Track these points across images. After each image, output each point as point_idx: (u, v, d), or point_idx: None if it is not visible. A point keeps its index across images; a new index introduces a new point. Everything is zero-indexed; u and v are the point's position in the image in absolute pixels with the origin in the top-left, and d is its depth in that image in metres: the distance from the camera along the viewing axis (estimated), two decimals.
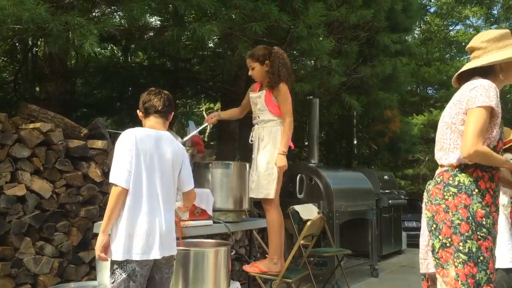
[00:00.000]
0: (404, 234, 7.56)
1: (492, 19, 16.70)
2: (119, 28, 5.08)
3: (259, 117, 3.60)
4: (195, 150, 4.73)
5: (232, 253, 3.33)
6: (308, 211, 4.47)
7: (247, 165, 3.78)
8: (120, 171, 2.24)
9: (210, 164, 3.70)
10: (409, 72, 9.67)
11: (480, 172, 2.14)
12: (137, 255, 2.21)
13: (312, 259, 4.80)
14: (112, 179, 2.25)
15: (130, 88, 7.90)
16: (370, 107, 7.39)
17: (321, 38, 5.40)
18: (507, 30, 2.26)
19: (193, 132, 4.83)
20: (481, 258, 2.06)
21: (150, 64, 7.80)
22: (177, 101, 9.43)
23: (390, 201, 6.91)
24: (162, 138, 2.42)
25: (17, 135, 3.26)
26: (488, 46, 2.22)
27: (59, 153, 3.45)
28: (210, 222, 3.41)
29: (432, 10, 16.62)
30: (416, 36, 15.62)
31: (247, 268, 3.43)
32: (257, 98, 3.58)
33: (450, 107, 2.25)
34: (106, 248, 2.26)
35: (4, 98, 7.30)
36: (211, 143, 10.43)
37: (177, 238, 2.83)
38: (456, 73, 2.33)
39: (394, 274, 5.85)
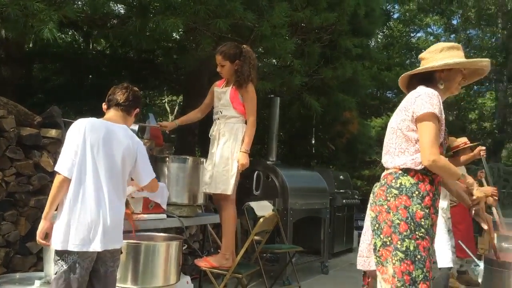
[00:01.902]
0: (356, 233, 7.79)
1: (451, 29, 17.34)
2: (81, 15, 4.97)
3: (221, 112, 3.62)
4: (153, 143, 4.73)
5: (184, 247, 3.36)
6: (263, 208, 4.54)
7: (204, 160, 3.81)
8: (64, 160, 2.26)
9: (167, 158, 3.71)
10: (370, 76, 9.92)
11: (421, 175, 2.26)
12: (75, 246, 2.21)
13: (264, 255, 4.89)
14: (56, 167, 2.27)
15: (90, 76, 7.73)
16: (330, 108, 7.54)
17: (286, 38, 5.48)
18: (453, 44, 2.42)
19: (152, 123, 4.82)
20: (419, 256, 2.17)
21: (112, 53, 7.65)
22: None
23: (344, 201, 7.10)
24: (116, 131, 2.42)
25: None
26: (430, 56, 2.39)
27: (10, 141, 3.36)
28: (163, 216, 3.43)
29: (395, 16, 17.07)
30: (379, 40, 16.03)
31: (198, 262, 3.47)
32: (222, 93, 3.61)
33: (397, 113, 2.38)
34: (48, 235, 2.27)
35: None
36: (172, 136, 10.38)
37: (130, 231, 2.85)
38: (400, 78, 2.49)
39: (343, 271, 6.04)
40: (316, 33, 6.35)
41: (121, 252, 2.55)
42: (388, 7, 15.24)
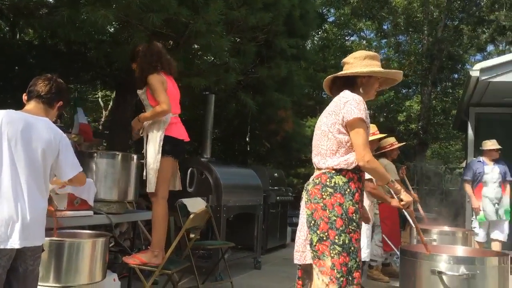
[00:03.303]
0: (289, 229, 7.97)
1: (382, 34, 18.19)
2: (5, 3, 4.71)
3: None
4: (81, 138, 4.58)
5: (111, 245, 3.29)
6: (196, 205, 4.53)
7: (135, 156, 3.77)
8: None
9: (95, 154, 3.62)
10: (306, 77, 10.16)
11: (351, 174, 2.45)
12: None
13: (197, 251, 4.89)
14: None
15: (16, 68, 7.31)
16: (265, 107, 7.66)
17: (223, 35, 5.48)
18: (374, 53, 2.65)
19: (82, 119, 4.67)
20: (352, 248, 2.37)
21: (41, 44, 7.29)
22: (70, 86, 8.91)
23: (278, 198, 7.24)
24: (35, 124, 2.32)
25: None
26: (354, 62, 2.58)
27: None
28: (90, 212, 3.34)
29: (331, 19, 17.64)
30: (316, 42, 16.49)
31: (127, 259, 3.42)
32: (142, 94, 3.64)
33: (326, 117, 2.55)
34: None
35: None
36: (105, 132, 10.06)
37: (52, 229, 2.75)
38: (325, 80, 2.66)
39: (276, 267, 6.17)
40: (252, 32, 6.41)
41: (43, 250, 2.46)
42: (323, 10, 15.72)
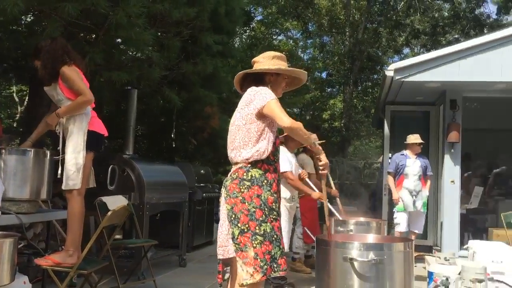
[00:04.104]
0: (216, 225, 7.91)
1: (308, 34, 18.74)
2: None
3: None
4: None
5: (21, 245, 3.10)
6: (116, 203, 4.39)
7: (48, 152, 3.59)
8: None
9: (3, 150, 3.39)
10: (234, 74, 10.14)
11: (267, 165, 2.55)
12: None
13: (117, 251, 4.74)
14: None
15: None
16: (191, 103, 7.59)
17: (147, 28, 5.34)
18: (281, 54, 2.80)
19: None
20: (275, 236, 2.47)
21: None
22: None
23: (204, 194, 7.21)
24: None
25: None
26: (263, 61, 2.72)
27: None
28: None
29: (259, 18, 17.87)
30: (244, 40, 16.62)
31: (38, 261, 3.24)
32: (52, 90, 3.46)
33: (239, 112, 2.63)
34: None
35: None
36: (20, 129, 9.45)
37: None
38: (236, 76, 2.78)
39: (201, 263, 6.14)
40: (176, 27, 6.32)
41: None
42: (251, 9, 15.86)
